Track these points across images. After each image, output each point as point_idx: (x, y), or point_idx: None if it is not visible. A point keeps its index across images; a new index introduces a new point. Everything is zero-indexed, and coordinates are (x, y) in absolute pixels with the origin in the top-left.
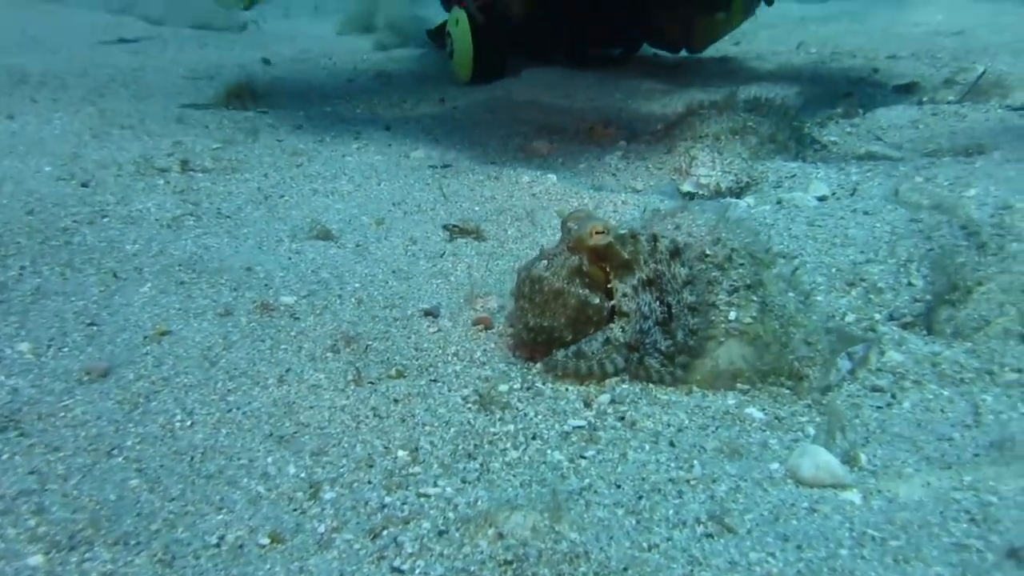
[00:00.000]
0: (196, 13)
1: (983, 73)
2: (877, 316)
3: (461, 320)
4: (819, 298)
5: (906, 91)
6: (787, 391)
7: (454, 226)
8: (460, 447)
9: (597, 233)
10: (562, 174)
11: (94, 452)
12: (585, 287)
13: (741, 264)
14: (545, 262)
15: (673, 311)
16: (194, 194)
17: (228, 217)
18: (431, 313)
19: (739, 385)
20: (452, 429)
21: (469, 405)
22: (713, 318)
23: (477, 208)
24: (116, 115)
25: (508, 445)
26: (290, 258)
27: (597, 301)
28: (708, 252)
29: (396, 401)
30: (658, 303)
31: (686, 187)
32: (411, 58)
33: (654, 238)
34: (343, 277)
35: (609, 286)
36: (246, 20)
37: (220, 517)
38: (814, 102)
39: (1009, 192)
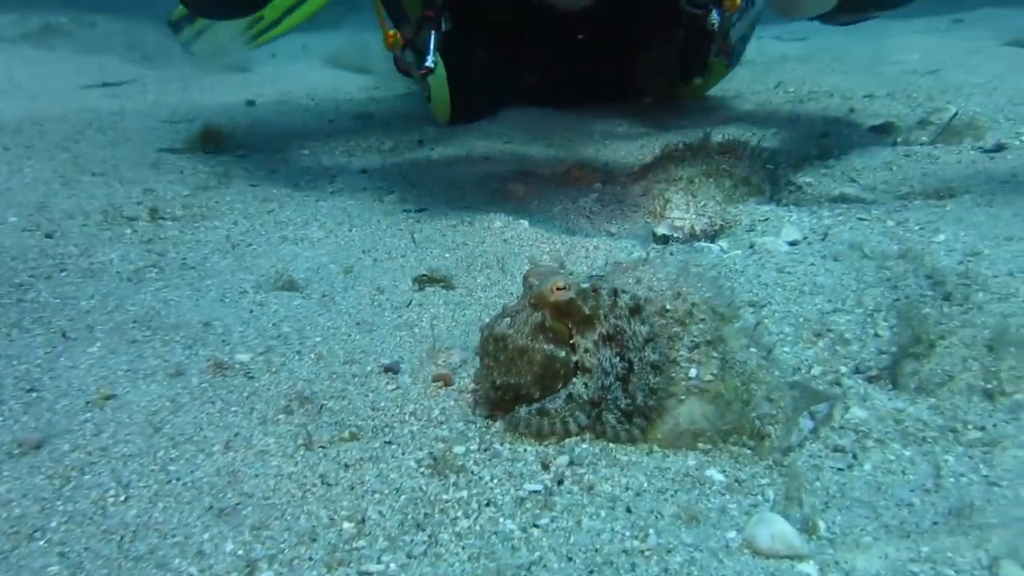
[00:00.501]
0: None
1: (955, 115)
2: (843, 369)
3: (421, 376)
4: (786, 349)
5: (881, 131)
6: (748, 451)
7: (423, 276)
8: (409, 516)
9: (558, 289)
10: (536, 218)
11: (14, 536)
12: (550, 342)
13: (702, 319)
14: (508, 319)
15: (635, 368)
16: (160, 243)
17: (192, 268)
18: (391, 369)
19: (700, 445)
20: (403, 496)
21: (423, 469)
22: (674, 375)
23: (447, 255)
24: (89, 161)
25: (459, 513)
26: (252, 311)
27: (563, 354)
28: (668, 307)
29: (347, 467)
30: (618, 359)
31: (660, 230)
32: (394, 97)
33: (615, 293)
34: (304, 331)
35: (572, 341)
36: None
37: None
38: (791, 142)
39: (977, 238)
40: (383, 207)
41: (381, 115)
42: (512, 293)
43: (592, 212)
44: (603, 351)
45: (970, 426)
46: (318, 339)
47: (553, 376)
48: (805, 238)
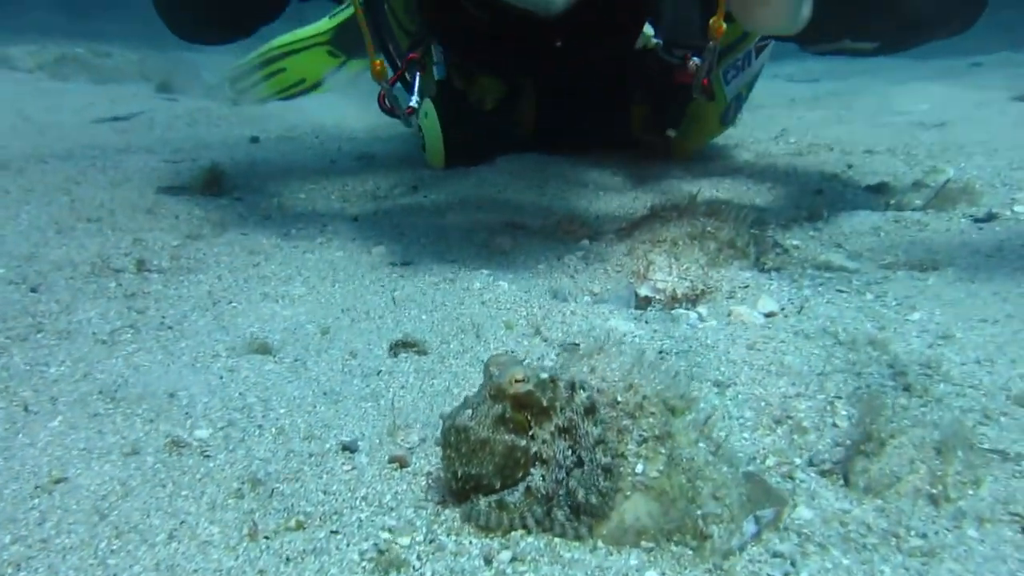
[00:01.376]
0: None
1: (948, 180)
2: (797, 460)
3: (378, 456)
4: (745, 436)
5: (876, 191)
6: (691, 552)
7: (397, 341)
8: None
9: (517, 381)
10: (520, 275)
11: None
12: (511, 432)
13: (652, 412)
14: (470, 411)
15: (585, 467)
16: (142, 299)
17: (170, 328)
18: (348, 448)
19: (644, 543)
20: None
21: (364, 563)
22: (622, 470)
23: (424, 317)
24: (87, 206)
25: None
26: (221, 377)
27: (524, 443)
28: (620, 399)
29: (288, 560)
30: (571, 452)
31: (643, 291)
32: (399, 137)
33: (572, 387)
34: (270, 401)
35: (530, 432)
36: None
37: None
38: (784, 199)
39: (953, 318)
40: (370, 259)
41: (382, 156)
42: (483, 360)
43: (576, 271)
44: (558, 442)
45: (912, 532)
46: (282, 411)
47: (514, 465)
48: (782, 309)
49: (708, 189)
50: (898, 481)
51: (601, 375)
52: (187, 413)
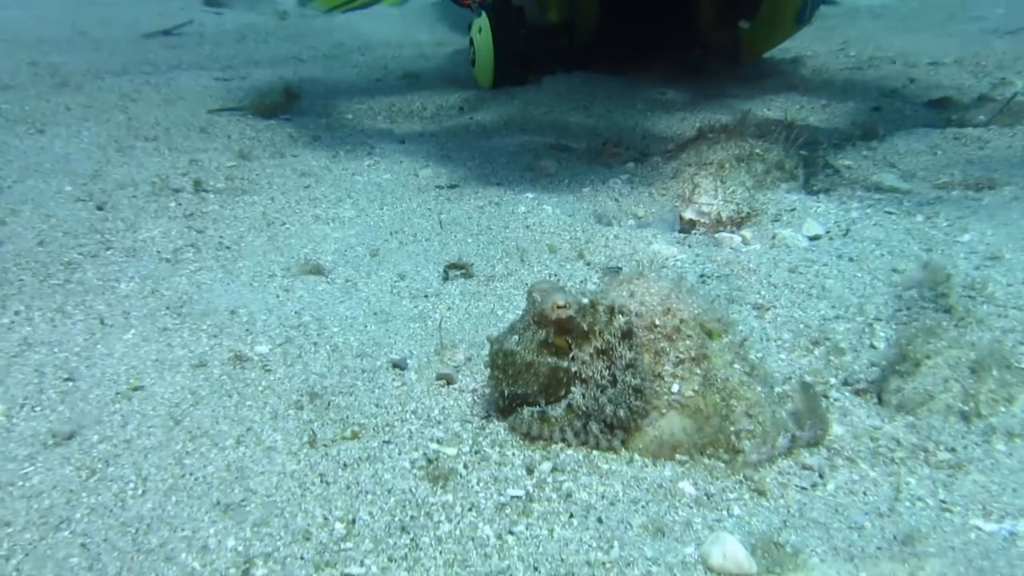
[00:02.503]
0: None
1: (1016, 94)
2: (833, 380)
3: (426, 374)
4: (782, 356)
5: (938, 107)
6: (723, 464)
7: (446, 264)
8: (397, 519)
9: (559, 307)
10: (564, 198)
11: (43, 526)
12: (553, 355)
13: (689, 336)
14: (516, 336)
15: (619, 386)
16: (201, 219)
17: (228, 248)
18: (398, 365)
19: (678, 456)
20: (393, 498)
21: (415, 471)
22: (658, 389)
23: (470, 240)
24: (144, 124)
25: (443, 517)
26: (278, 296)
27: (566, 365)
28: (658, 322)
29: (345, 466)
30: (607, 372)
31: (688, 215)
32: (444, 55)
33: (611, 311)
34: (323, 320)
35: (571, 354)
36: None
37: None
38: (839, 117)
39: (1004, 239)
40: (417, 182)
41: (427, 75)
42: (527, 284)
43: (621, 194)
44: (596, 363)
45: (941, 447)
46: (335, 329)
47: (557, 385)
48: (827, 232)
49: (759, 108)
50: (931, 399)
51: (640, 299)
52: (248, 329)
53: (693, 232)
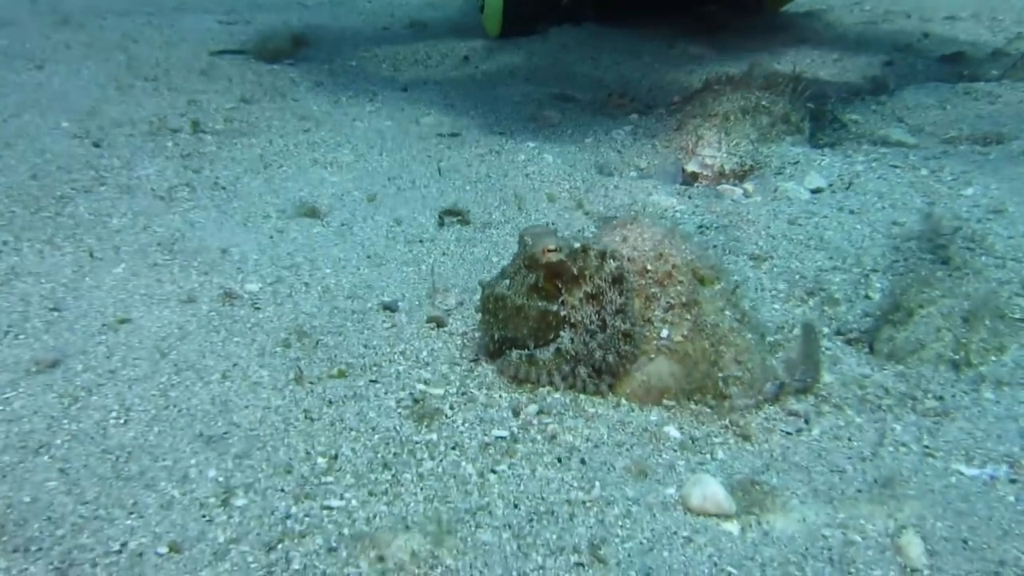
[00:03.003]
0: None
1: None
2: (826, 330)
3: (417, 316)
4: (775, 307)
5: (951, 62)
6: (709, 410)
7: (443, 210)
8: (379, 455)
9: (549, 251)
10: (566, 148)
11: (22, 450)
12: (543, 299)
13: (680, 282)
14: (507, 281)
15: (607, 331)
16: (197, 159)
17: (223, 188)
18: (389, 307)
19: (665, 401)
20: (376, 436)
21: (400, 410)
22: (647, 333)
23: (468, 187)
24: (144, 65)
25: (426, 455)
26: (271, 237)
27: (555, 308)
28: (649, 267)
29: (330, 403)
30: (596, 316)
31: (691, 167)
32: (454, 5)
33: (602, 256)
34: (316, 262)
35: (560, 298)
36: None
37: (128, 523)
38: (850, 71)
39: (1008, 193)
40: (418, 130)
41: (435, 24)
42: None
43: (623, 146)
44: (586, 308)
45: (929, 395)
46: (328, 271)
47: (546, 328)
48: (830, 185)
49: (768, 61)
50: (922, 348)
51: (633, 244)
52: (239, 268)
53: (695, 185)
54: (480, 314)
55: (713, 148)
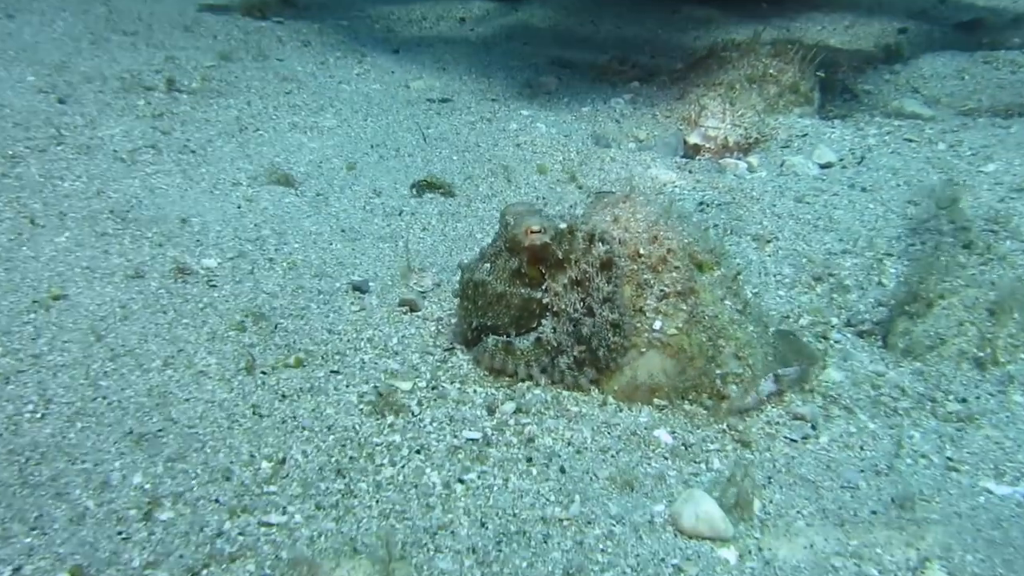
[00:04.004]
0: None
1: None
2: (834, 320)
3: (389, 298)
4: (780, 293)
5: (969, 29)
6: (704, 411)
7: (423, 181)
8: (333, 459)
9: (533, 232)
10: (562, 117)
11: None
12: (525, 286)
13: (676, 267)
14: (488, 265)
15: (596, 319)
16: (169, 120)
17: (193, 152)
18: (359, 288)
19: (656, 400)
20: (332, 437)
21: (363, 406)
22: (638, 324)
23: (455, 158)
24: (124, 18)
25: (386, 460)
26: (239, 207)
27: (538, 295)
28: (642, 251)
29: (283, 397)
30: (581, 303)
31: (692, 139)
32: None
33: (590, 238)
34: (285, 235)
35: (544, 286)
36: None
37: (28, 541)
38: (862, 39)
39: None
40: (407, 95)
41: None
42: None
43: (623, 115)
44: (570, 294)
45: (951, 397)
46: (296, 245)
47: (529, 317)
48: (841, 160)
49: (777, 28)
50: (942, 343)
51: (625, 225)
52: (198, 240)
53: (697, 158)
54: (458, 300)
55: (717, 119)
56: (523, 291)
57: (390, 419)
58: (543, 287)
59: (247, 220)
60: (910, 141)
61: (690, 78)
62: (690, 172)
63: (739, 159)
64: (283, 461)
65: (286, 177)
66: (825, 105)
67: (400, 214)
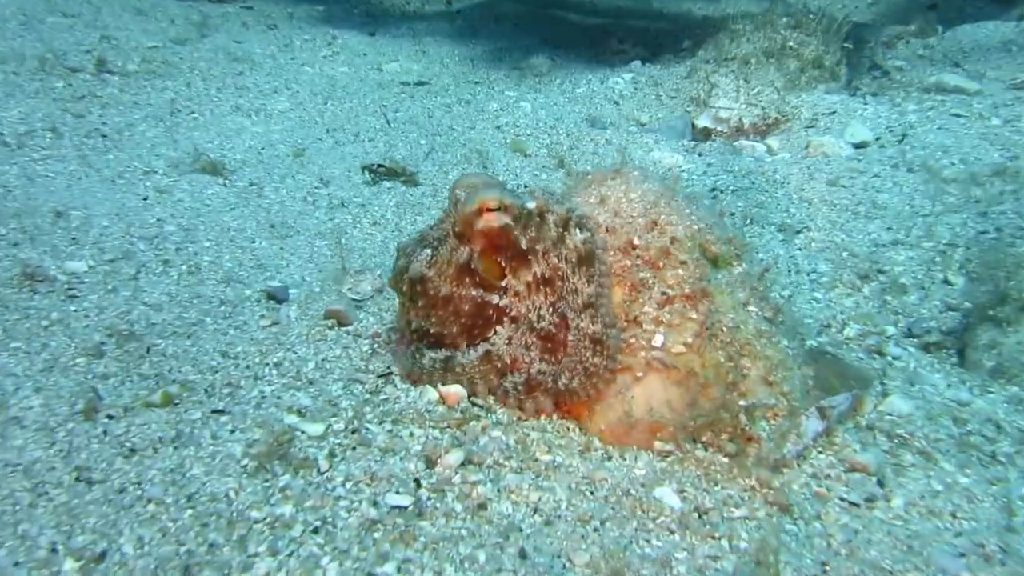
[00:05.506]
0: None
1: None
2: (891, 330)
3: (313, 309)
4: (817, 296)
5: (1004, 3)
6: (725, 460)
7: (379, 166)
8: (179, 553)
9: (489, 211)
10: (553, 99)
11: None
12: (478, 286)
13: (683, 262)
14: (428, 252)
15: (567, 334)
16: (88, 103)
17: (104, 136)
18: (275, 296)
19: (659, 444)
20: (190, 512)
21: (246, 461)
22: (633, 340)
23: (423, 142)
24: (70, 1)
25: (263, 547)
26: (146, 198)
27: (496, 300)
28: (637, 242)
29: (129, 453)
30: (551, 311)
31: (702, 122)
32: None
33: (564, 224)
34: (195, 231)
35: (503, 282)
36: None
37: None
38: (890, 13)
39: None
40: (378, 78)
41: None
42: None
43: (622, 96)
44: (535, 296)
45: None
46: (207, 244)
47: (484, 324)
48: (878, 139)
49: (794, 6)
50: None
51: (614, 208)
52: (73, 238)
53: (709, 141)
54: (395, 292)
55: (730, 98)
56: (475, 293)
57: (284, 479)
58: (503, 284)
59: (149, 214)
60: (958, 116)
61: (698, 54)
62: (699, 155)
63: (757, 142)
64: (101, 556)
65: (214, 165)
66: (852, 82)
67: (345, 205)
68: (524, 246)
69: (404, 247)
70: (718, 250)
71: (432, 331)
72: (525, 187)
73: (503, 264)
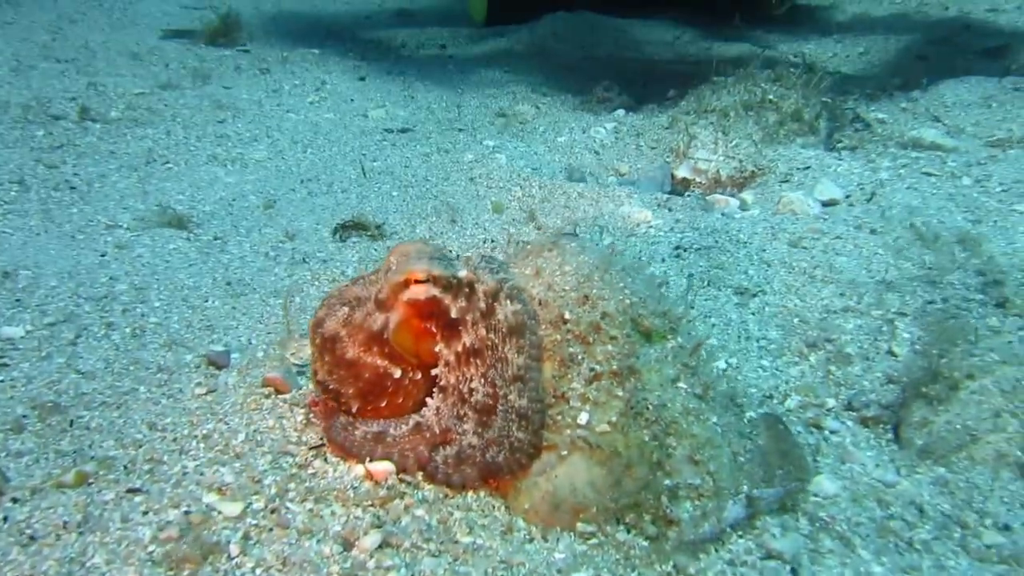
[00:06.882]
0: None
1: None
2: (831, 402)
3: (253, 376)
4: (764, 363)
5: (995, 56)
6: (646, 543)
7: (348, 223)
8: None
9: (417, 282)
10: (533, 148)
11: None
12: (385, 356)
13: (613, 337)
14: (345, 311)
15: (498, 406)
16: (64, 152)
17: (73, 189)
18: (216, 362)
19: (581, 525)
20: None
21: (154, 548)
22: (559, 417)
23: (396, 194)
24: (66, 46)
25: None
26: (103, 255)
27: (398, 375)
28: (568, 316)
29: (27, 543)
30: (482, 382)
31: (681, 172)
32: None
33: (494, 295)
34: (146, 291)
35: (436, 350)
36: None
37: None
38: (876, 65)
39: None
40: (363, 124)
41: (423, 13)
42: (454, 252)
43: (603, 146)
44: (464, 368)
45: (988, 523)
46: (156, 304)
47: (379, 394)
48: (847, 196)
49: (785, 52)
50: (973, 441)
51: (548, 280)
52: (17, 300)
53: (686, 193)
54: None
55: (708, 150)
56: (379, 362)
57: (187, 569)
58: (408, 367)
59: (102, 273)
60: (929, 175)
61: (680, 105)
62: (669, 210)
63: (732, 195)
64: None
65: (179, 219)
66: (833, 135)
67: (306, 261)
68: (454, 315)
69: (329, 296)
70: (651, 324)
71: (331, 387)
72: (490, 241)
73: (434, 330)
